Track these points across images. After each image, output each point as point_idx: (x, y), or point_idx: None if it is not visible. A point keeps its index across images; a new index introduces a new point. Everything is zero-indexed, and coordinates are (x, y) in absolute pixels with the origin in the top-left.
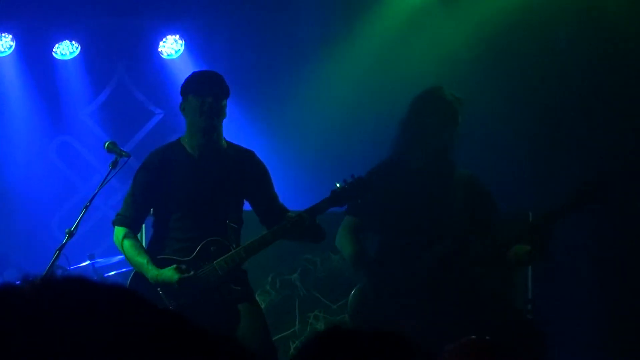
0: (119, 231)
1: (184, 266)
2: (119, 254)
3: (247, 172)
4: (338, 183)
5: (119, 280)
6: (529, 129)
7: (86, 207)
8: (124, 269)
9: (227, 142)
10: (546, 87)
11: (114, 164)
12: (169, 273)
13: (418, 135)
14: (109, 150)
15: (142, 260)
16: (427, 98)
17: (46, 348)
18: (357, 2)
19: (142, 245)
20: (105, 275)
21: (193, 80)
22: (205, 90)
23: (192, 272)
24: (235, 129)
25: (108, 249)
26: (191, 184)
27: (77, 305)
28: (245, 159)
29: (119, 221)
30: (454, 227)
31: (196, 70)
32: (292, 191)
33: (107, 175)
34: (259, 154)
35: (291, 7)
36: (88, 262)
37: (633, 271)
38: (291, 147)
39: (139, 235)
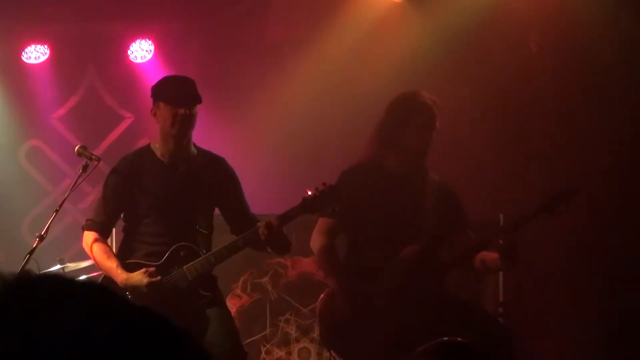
0: (89, 236)
1: (152, 270)
2: (89, 259)
3: (216, 178)
4: (309, 190)
5: None
6: (500, 133)
7: (56, 211)
8: (94, 273)
9: (197, 147)
10: (517, 91)
11: (84, 168)
12: (137, 277)
13: (395, 139)
14: (79, 154)
15: (112, 264)
16: (407, 102)
17: (20, 342)
18: (325, 5)
19: (112, 250)
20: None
21: (165, 88)
22: (178, 101)
23: (159, 277)
24: (205, 133)
25: (78, 253)
26: (161, 190)
27: (51, 299)
28: (215, 165)
29: (89, 226)
30: (424, 231)
31: (167, 74)
32: (262, 197)
33: (77, 179)
34: (229, 159)
35: (260, 11)
36: (58, 266)
37: (603, 274)
38: (261, 152)
39: (109, 239)
